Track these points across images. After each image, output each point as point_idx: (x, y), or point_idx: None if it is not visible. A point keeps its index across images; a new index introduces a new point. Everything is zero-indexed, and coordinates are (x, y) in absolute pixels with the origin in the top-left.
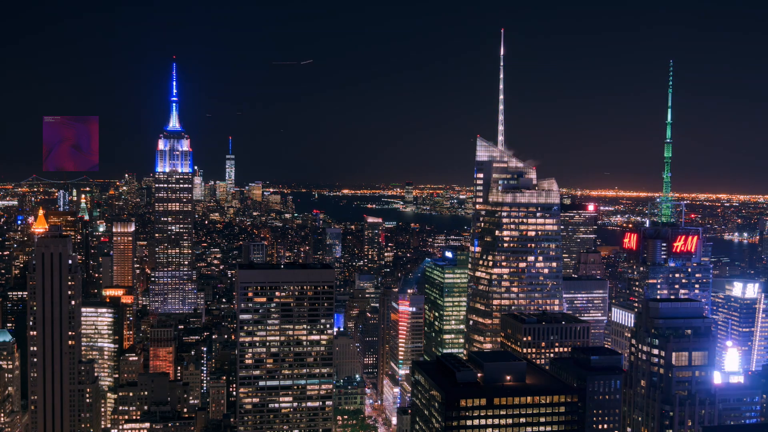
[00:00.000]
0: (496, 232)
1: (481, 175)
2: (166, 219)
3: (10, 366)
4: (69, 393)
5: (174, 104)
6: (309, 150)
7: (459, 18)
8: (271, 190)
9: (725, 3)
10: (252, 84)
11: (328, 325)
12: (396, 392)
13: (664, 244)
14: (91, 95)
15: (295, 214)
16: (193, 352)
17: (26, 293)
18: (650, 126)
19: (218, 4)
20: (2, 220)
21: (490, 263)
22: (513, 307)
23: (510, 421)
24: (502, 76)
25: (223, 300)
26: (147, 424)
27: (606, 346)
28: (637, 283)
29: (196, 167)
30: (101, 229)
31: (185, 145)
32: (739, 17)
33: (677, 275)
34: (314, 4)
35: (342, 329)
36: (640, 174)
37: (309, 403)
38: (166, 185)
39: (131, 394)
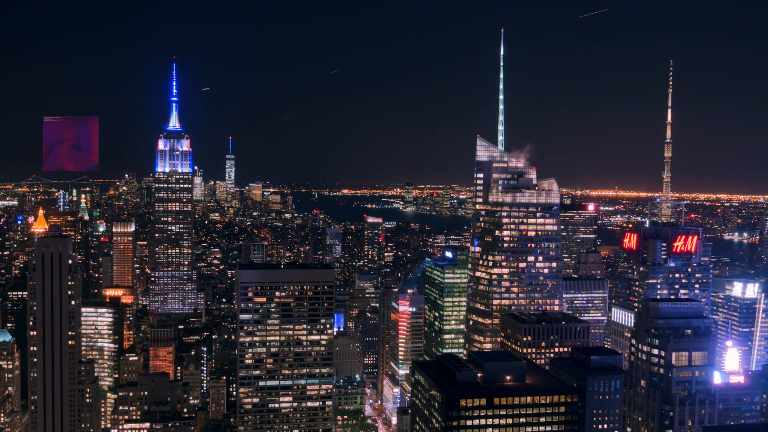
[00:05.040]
0: (496, 232)
1: (481, 175)
2: (166, 219)
3: (10, 366)
4: (69, 393)
5: (174, 104)
6: (309, 150)
7: (459, 18)
8: (271, 190)
9: (725, 3)
10: (252, 84)
11: (328, 325)
12: (396, 392)
13: (664, 244)
14: (91, 95)
15: (295, 214)
16: (193, 352)
17: (26, 293)
18: (650, 126)
19: (219, 4)
20: (2, 220)
21: (490, 263)
22: (513, 307)
23: (510, 421)
24: (502, 76)
25: (223, 300)
26: (147, 424)
27: (606, 346)
28: (637, 283)
29: (196, 167)
30: (101, 229)
31: (185, 145)
32: (739, 17)
33: (677, 275)
34: (314, 4)
35: (342, 329)
36: (640, 174)
37: (309, 403)
38: (166, 185)
39: (131, 394)
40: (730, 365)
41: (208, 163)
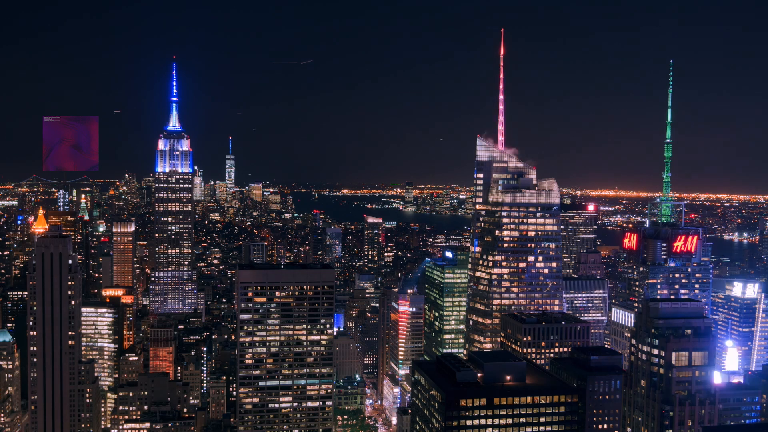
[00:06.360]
0: (496, 232)
1: (481, 175)
2: (166, 219)
3: (10, 366)
4: (69, 393)
5: (174, 104)
6: (309, 150)
7: (459, 18)
8: (271, 190)
9: (725, 2)
10: (252, 84)
11: (328, 325)
12: (396, 392)
13: (664, 244)
14: (91, 95)
15: (295, 214)
16: (193, 352)
17: (26, 293)
18: (650, 126)
19: (218, 3)
20: (2, 220)
21: (490, 263)
22: (513, 307)
23: (510, 421)
24: (502, 76)
25: (223, 300)
26: (147, 424)
27: (606, 346)
28: (637, 283)
29: (196, 167)
30: (101, 229)
31: (185, 145)
32: (739, 16)
33: (677, 275)
34: (314, 4)
35: (342, 329)
36: (640, 174)
37: (309, 403)
38: (166, 185)
39: (131, 394)
40: (730, 365)
41: (208, 163)
